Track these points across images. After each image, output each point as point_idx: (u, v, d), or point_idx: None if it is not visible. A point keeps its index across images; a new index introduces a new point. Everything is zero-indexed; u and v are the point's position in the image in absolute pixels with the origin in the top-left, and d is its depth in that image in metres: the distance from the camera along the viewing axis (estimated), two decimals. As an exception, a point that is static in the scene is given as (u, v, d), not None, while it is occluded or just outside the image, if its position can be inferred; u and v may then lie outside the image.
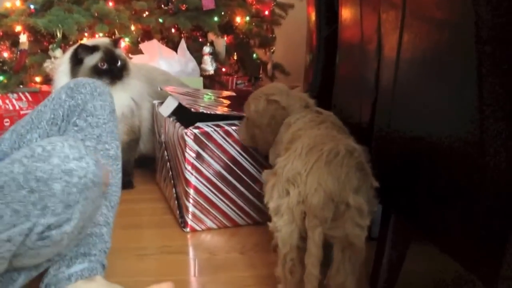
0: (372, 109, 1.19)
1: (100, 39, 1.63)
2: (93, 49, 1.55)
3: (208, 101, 1.53)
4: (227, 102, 1.53)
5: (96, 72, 1.53)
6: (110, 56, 1.55)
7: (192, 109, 1.32)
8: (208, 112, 1.32)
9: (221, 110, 1.37)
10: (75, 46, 1.59)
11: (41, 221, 0.73)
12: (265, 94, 1.14)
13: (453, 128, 0.70)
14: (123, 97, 1.61)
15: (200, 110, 1.31)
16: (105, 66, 1.53)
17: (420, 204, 0.82)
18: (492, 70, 0.62)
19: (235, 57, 2.73)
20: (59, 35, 1.95)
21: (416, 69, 0.78)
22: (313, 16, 1.91)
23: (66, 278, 0.86)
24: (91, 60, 1.54)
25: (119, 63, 1.57)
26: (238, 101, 1.42)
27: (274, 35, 2.88)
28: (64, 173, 0.73)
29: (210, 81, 2.34)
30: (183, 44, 2.18)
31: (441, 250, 0.77)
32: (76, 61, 1.55)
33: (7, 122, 2.05)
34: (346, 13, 1.40)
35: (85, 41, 1.66)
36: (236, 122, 1.33)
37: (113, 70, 1.55)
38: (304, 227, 0.80)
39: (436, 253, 0.80)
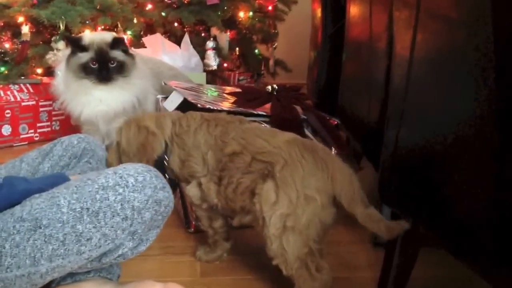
0: (381, 107, 1.18)
1: (101, 35, 1.60)
2: (84, 48, 1.53)
3: (212, 96, 1.51)
4: (232, 98, 1.51)
5: (84, 69, 1.53)
6: (102, 57, 1.53)
7: (199, 105, 1.30)
8: (214, 108, 1.30)
9: (226, 106, 1.35)
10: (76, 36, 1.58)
11: (128, 244, 0.81)
12: (136, 120, 1.12)
13: (469, 130, 0.69)
14: (123, 94, 1.60)
15: (207, 106, 1.30)
16: (95, 66, 1.53)
17: (435, 209, 0.81)
18: (510, 70, 0.61)
19: (237, 53, 2.72)
20: (62, 27, 1.93)
21: (431, 69, 0.77)
22: (318, 13, 1.90)
23: (85, 272, 0.88)
24: (82, 57, 1.54)
25: (113, 64, 1.54)
26: (243, 98, 1.41)
27: (276, 31, 2.87)
28: (156, 203, 0.81)
29: (212, 76, 2.33)
30: (186, 39, 2.16)
31: (455, 257, 0.76)
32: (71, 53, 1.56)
33: (8, 113, 2.03)
34: (354, 11, 1.38)
35: (87, 33, 1.64)
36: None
37: (102, 70, 1.53)
38: None
39: (446, 259, 0.80)
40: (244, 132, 1.01)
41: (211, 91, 1.60)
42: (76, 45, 1.53)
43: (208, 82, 2.19)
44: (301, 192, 0.90)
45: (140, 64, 1.65)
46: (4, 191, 0.80)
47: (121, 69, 1.56)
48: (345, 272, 1.17)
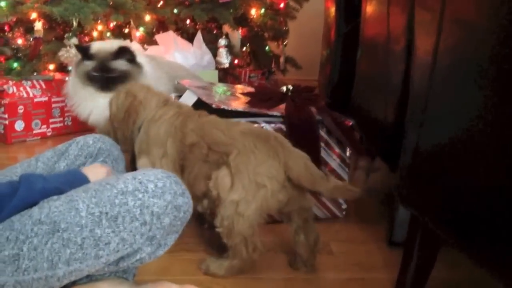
0: (397, 109, 1.18)
1: (108, 44, 1.64)
2: (90, 56, 1.59)
3: (225, 96, 1.51)
4: (245, 98, 1.51)
5: (88, 77, 1.60)
6: (103, 67, 1.59)
7: (213, 105, 1.30)
8: (229, 109, 1.30)
9: (240, 106, 1.35)
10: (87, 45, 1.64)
11: (146, 249, 0.81)
12: (126, 89, 1.21)
13: (491, 136, 0.69)
14: None
15: (222, 107, 1.30)
16: (97, 74, 1.59)
17: (455, 212, 0.81)
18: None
19: (248, 50, 2.71)
20: (75, 24, 1.93)
21: (455, 75, 0.77)
22: (332, 12, 1.89)
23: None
24: (87, 65, 1.60)
25: (114, 73, 1.59)
26: (257, 98, 1.41)
27: (287, 28, 2.86)
28: (175, 209, 0.81)
29: (223, 74, 2.33)
30: (199, 36, 2.16)
31: (475, 260, 0.76)
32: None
33: (21, 109, 2.04)
34: (370, 11, 1.38)
35: (97, 42, 1.67)
36: (254, 119, 1.31)
37: (103, 79, 1.59)
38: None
39: (464, 260, 0.80)
40: (202, 124, 1.10)
41: (223, 90, 1.60)
42: (84, 53, 1.59)
43: (219, 80, 2.20)
44: (253, 179, 1.00)
45: (152, 70, 1.68)
46: (22, 190, 0.79)
47: (124, 79, 1.59)
48: (360, 273, 1.17)
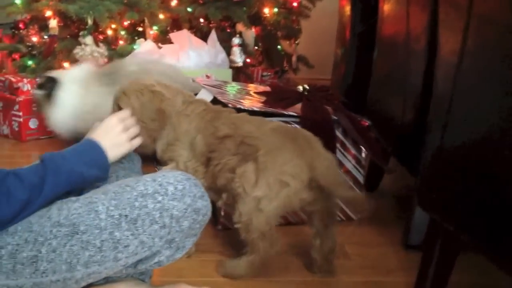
0: (416, 110, 1.16)
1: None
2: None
3: (240, 95, 1.50)
4: (259, 97, 1.50)
5: None
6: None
7: (230, 105, 1.29)
8: (245, 108, 1.29)
9: (256, 106, 1.34)
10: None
11: (165, 252, 0.81)
12: (146, 86, 1.12)
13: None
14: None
15: (238, 106, 1.29)
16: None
17: (480, 216, 0.79)
18: None
19: (260, 49, 2.70)
20: (90, 22, 1.93)
21: (482, 76, 0.75)
22: (347, 11, 1.87)
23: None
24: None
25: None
26: (273, 97, 1.40)
27: (299, 27, 2.84)
28: (194, 212, 0.81)
29: (236, 73, 2.32)
30: (213, 35, 2.15)
31: (498, 266, 0.74)
32: None
33: (35, 107, 2.05)
34: (388, 10, 1.36)
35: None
36: (270, 119, 1.30)
37: None
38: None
39: (485, 264, 0.78)
40: (234, 119, 1.10)
41: (236, 90, 1.59)
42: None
43: (232, 79, 2.19)
44: (277, 178, 1.00)
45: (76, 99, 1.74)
46: (50, 179, 0.77)
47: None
48: (377, 276, 1.15)
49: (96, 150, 0.88)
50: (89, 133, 0.94)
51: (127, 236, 0.75)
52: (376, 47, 1.47)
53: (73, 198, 0.78)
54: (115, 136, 0.93)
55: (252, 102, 1.40)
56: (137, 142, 1.00)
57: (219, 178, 1.08)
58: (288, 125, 1.18)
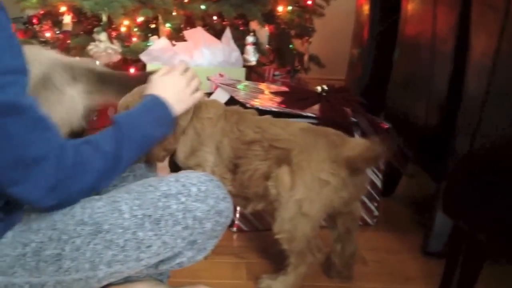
0: (441, 114, 1.13)
1: None
2: None
3: (253, 94, 1.48)
4: (276, 97, 1.47)
5: None
6: None
7: (248, 104, 1.27)
8: (264, 109, 1.26)
9: (274, 106, 1.31)
10: None
11: (187, 253, 0.80)
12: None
13: None
14: None
15: (256, 106, 1.26)
16: None
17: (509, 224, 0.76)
18: None
19: (272, 47, 2.67)
20: (104, 18, 1.92)
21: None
22: (365, 10, 1.83)
23: None
24: None
25: None
26: (291, 98, 1.37)
27: (313, 26, 2.81)
28: (217, 214, 0.79)
29: (248, 72, 2.29)
30: (228, 33, 2.12)
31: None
32: None
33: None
34: (412, 9, 1.32)
35: None
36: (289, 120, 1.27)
37: None
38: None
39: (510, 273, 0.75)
40: (259, 122, 1.05)
41: (249, 88, 1.56)
42: None
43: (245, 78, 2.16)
44: (316, 176, 0.95)
45: None
46: (127, 146, 0.76)
47: None
48: (395, 283, 1.13)
49: (162, 107, 0.87)
50: (151, 87, 0.91)
51: (150, 236, 0.75)
52: (397, 47, 1.44)
53: (96, 197, 0.77)
54: (179, 92, 0.92)
55: (264, 101, 1.37)
56: (199, 95, 0.97)
57: (250, 185, 1.02)
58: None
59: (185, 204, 0.76)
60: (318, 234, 0.99)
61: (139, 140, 0.79)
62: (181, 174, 0.81)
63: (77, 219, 0.74)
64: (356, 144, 0.99)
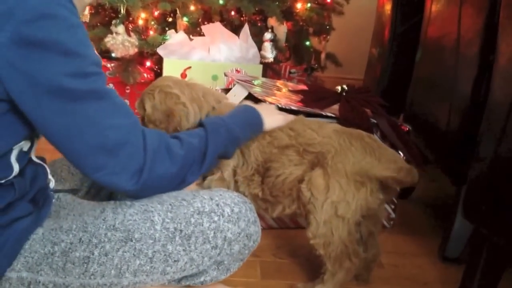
0: (464, 118, 1.11)
1: None
2: None
3: (270, 91, 1.46)
4: (296, 96, 1.45)
5: None
6: None
7: (267, 102, 1.26)
8: (284, 107, 1.25)
9: (294, 105, 1.30)
10: None
11: (212, 273, 0.81)
12: (159, 86, 1.01)
13: None
14: None
15: (277, 104, 1.25)
16: None
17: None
18: None
19: (288, 44, 2.65)
20: (122, 11, 1.91)
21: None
22: (387, 9, 1.80)
23: None
24: None
25: None
26: (310, 97, 1.35)
27: (331, 24, 2.78)
28: (246, 237, 0.81)
29: (264, 68, 2.27)
30: (246, 29, 2.10)
31: None
32: None
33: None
34: (436, 10, 1.29)
35: None
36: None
37: None
38: None
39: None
40: (292, 125, 1.01)
41: (266, 85, 1.55)
42: None
43: (262, 75, 2.14)
44: (351, 179, 0.93)
45: None
46: (211, 140, 0.82)
47: None
48: (412, 288, 1.11)
49: (252, 112, 0.93)
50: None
51: (179, 251, 0.75)
52: (420, 48, 1.41)
53: (128, 203, 0.77)
54: (273, 115, 1.00)
55: (280, 98, 1.35)
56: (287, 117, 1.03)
57: (283, 188, 1.00)
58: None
59: (217, 223, 0.77)
60: (355, 239, 0.97)
61: (223, 138, 0.84)
62: (215, 192, 0.82)
63: (109, 224, 0.74)
64: (390, 161, 0.96)
